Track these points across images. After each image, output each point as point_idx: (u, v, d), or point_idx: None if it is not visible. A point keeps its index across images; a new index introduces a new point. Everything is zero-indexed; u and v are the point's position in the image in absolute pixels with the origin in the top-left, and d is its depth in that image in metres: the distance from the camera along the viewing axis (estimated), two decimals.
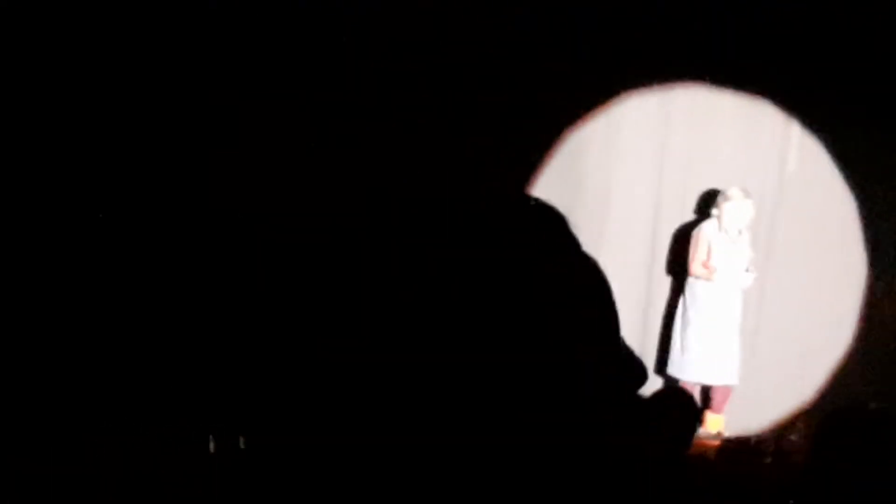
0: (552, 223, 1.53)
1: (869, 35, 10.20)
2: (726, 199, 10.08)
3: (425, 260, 1.42)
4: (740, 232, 10.10)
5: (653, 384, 8.24)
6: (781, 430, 9.54)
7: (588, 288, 1.50)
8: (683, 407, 5.85)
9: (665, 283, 10.49)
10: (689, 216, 10.44)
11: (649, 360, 10.08)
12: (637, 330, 9.96)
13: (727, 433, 10.01)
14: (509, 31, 9.89)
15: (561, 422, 1.45)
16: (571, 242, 1.52)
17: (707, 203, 10.31)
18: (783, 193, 10.45)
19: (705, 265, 10.11)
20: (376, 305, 1.43)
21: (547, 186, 10.04)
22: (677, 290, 10.37)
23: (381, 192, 8.77)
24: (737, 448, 7.29)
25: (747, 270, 10.11)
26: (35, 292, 8.45)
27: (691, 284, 10.17)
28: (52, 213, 8.79)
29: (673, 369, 10.15)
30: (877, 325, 10.61)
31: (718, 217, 10.09)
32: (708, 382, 10.12)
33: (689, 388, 10.07)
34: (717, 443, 8.19)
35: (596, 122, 10.36)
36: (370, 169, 9.25)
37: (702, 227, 10.19)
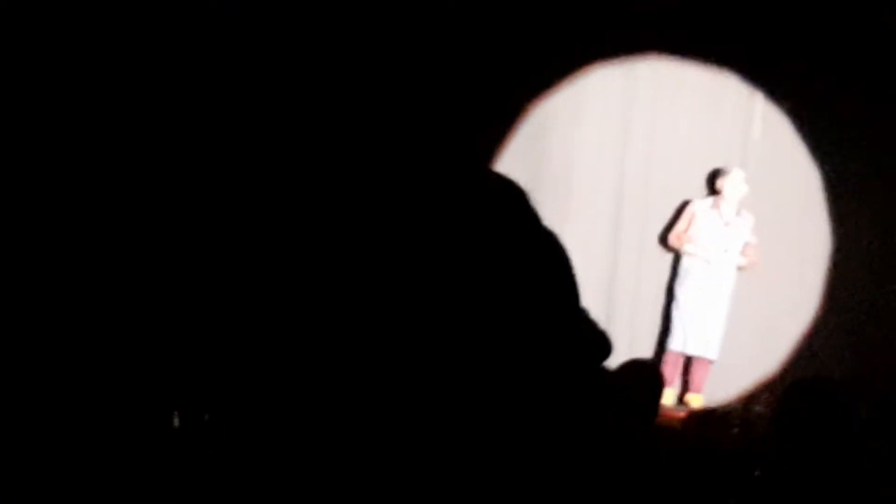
0: (512, 196, 1.53)
1: (832, 5, 10.24)
2: (724, 177, 10.18)
3: (379, 236, 1.42)
4: (739, 213, 10.17)
5: (620, 357, 8.26)
6: (747, 401, 9.59)
7: (548, 261, 1.50)
8: (649, 378, 5.88)
9: (629, 256, 10.50)
10: (653, 189, 10.46)
11: (616, 334, 10.11)
12: (602, 303, 10.00)
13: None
14: (474, 3, 9.88)
15: (525, 394, 1.46)
16: (531, 216, 1.52)
17: (710, 182, 10.37)
18: (746, 165, 10.47)
19: (679, 236, 10.19)
20: (342, 282, 1.43)
21: (511, 159, 10.05)
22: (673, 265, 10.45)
23: (340, 168, 8.78)
24: (703, 419, 7.33)
25: (743, 254, 10.19)
26: (25, 283, 8.45)
27: (682, 260, 10.25)
28: (51, 212, 8.80)
29: (666, 341, 10.28)
30: (841, 296, 10.66)
31: (720, 193, 10.17)
32: (690, 353, 10.20)
33: (674, 363, 10.17)
34: (683, 414, 8.22)
35: (560, 95, 10.36)
36: (329, 138, 9.26)
37: (692, 202, 10.26)
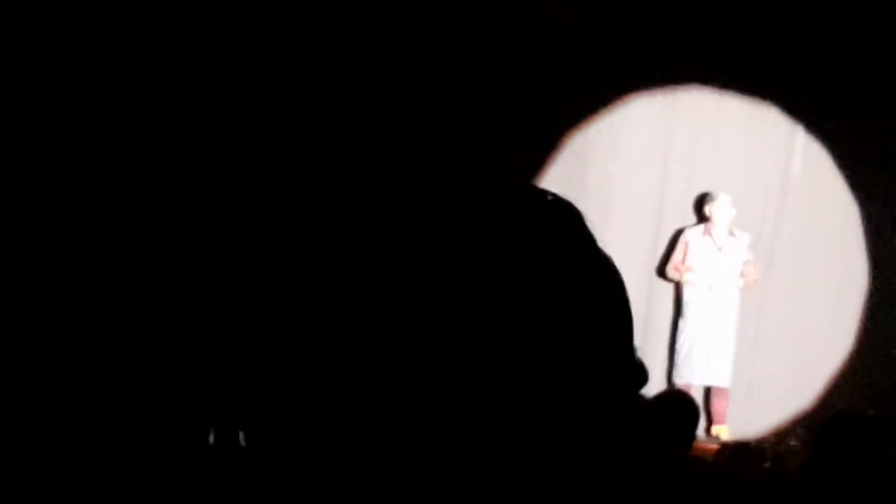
0: (569, 219, 1.53)
1: (876, 43, 10.21)
2: (711, 202, 10.15)
3: (433, 259, 1.42)
4: (732, 234, 10.14)
5: (656, 387, 8.26)
6: (781, 435, 9.54)
7: (607, 287, 1.50)
8: (685, 409, 5.85)
9: (667, 287, 10.49)
10: (692, 219, 10.45)
11: (652, 364, 10.08)
12: (638, 333, 9.96)
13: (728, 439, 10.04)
14: (514, 31, 9.90)
15: (565, 423, 1.45)
16: (589, 239, 1.52)
17: (698, 208, 10.35)
18: (786, 198, 10.45)
19: (677, 268, 10.18)
20: (379, 311, 1.42)
21: (550, 187, 10.04)
22: (676, 294, 10.41)
23: (383, 192, 8.75)
24: (736, 452, 7.29)
25: (741, 274, 10.15)
26: (31, 284, 8.48)
27: (684, 289, 10.23)
28: (52, 212, 8.82)
29: (672, 373, 10.23)
30: (877, 333, 10.61)
31: (709, 219, 10.16)
32: (699, 383, 10.16)
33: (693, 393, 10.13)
34: (716, 447, 8.18)
35: (600, 124, 10.37)
36: (374, 172, 9.27)
37: (684, 232, 10.25)
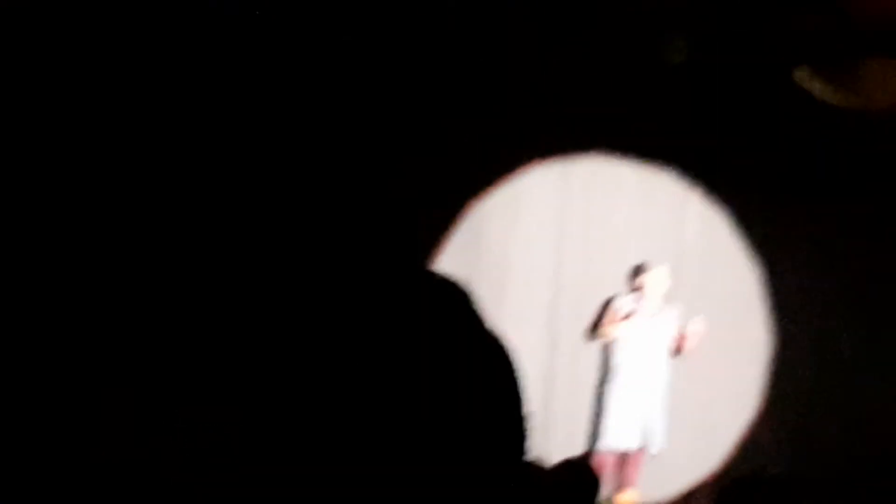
0: (456, 298, 1.54)
1: (766, 105, 10.38)
2: (645, 272, 10.26)
3: (315, 339, 1.43)
4: (662, 307, 10.23)
5: (558, 450, 8.27)
6: (687, 497, 9.59)
7: (495, 367, 1.51)
8: (584, 476, 5.86)
9: (565, 352, 10.50)
10: (589, 286, 10.50)
11: (554, 429, 10.08)
12: (538, 400, 9.96)
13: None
14: (410, 104, 9.93)
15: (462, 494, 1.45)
16: (477, 319, 1.53)
17: (632, 277, 10.43)
18: (682, 261, 10.55)
19: (609, 331, 10.23)
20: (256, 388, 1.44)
21: (448, 257, 10.07)
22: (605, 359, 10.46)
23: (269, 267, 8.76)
24: None
25: (675, 341, 10.22)
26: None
27: (612, 357, 10.28)
28: (51, 212, 8.79)
29: (598, 440, 10.25)
30: (781, 393, 10.72)
31: (639, 290, 10.25)
32: (625, 449, 10.19)
33: (606, 459, 10.14)
34: None
35: (497, 192, 10.41)
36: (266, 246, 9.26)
37: (615, 298, 10.33)
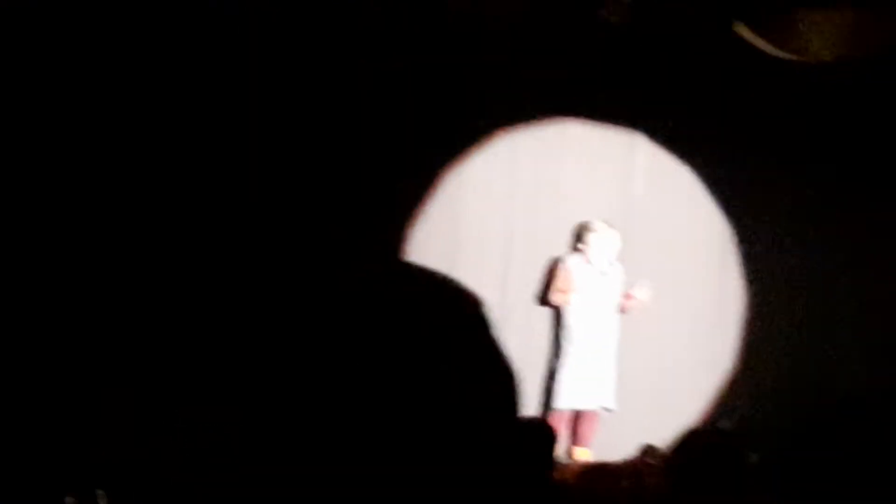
0: (469, 301, 1.65)
1: (710, 59, 10.44)
2: (590, 231, 10.29)
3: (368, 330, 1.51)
4: (611, 263, 10.28)
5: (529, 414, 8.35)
6: (640, 454, 9.66)
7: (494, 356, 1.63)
8: (541, 434, 5.93)
9: (519, 318, 10.55)
10: (540, 248, 10.54)
11: None
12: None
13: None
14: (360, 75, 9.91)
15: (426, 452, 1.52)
16: (483, 322, 1.65)
17: (578, 237, 10.46)
18: (630, 219, 10.60)
19: (562, 290, 10.27)
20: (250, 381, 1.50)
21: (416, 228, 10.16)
22: (556, 323, 10.50)
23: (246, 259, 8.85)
24: (596, 473, 7.37)
25: (632, 297, 10.27)
26: None
27: (564, 316, 10.33)
28: (51, 212, 8.76)
29: (553, 399, 10.32)
30: (722, 349, 10.83)
31: (584, 249, 10.29)
32: (580, 408, 10.27)
33: (563, 419, 10.22)
34: (577, 468, 8.26)
35: (452, 162, 10.42)
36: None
37: (564, 259, 10.36)
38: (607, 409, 10.32)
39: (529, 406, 10.34)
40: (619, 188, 10.73)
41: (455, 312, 1.61)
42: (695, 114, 10.55)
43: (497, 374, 1.64)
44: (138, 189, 9.07)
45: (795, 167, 10.57)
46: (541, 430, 6.11)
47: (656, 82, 10.44)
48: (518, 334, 10.52)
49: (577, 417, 10.41)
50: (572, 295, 10.25)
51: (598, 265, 10.27)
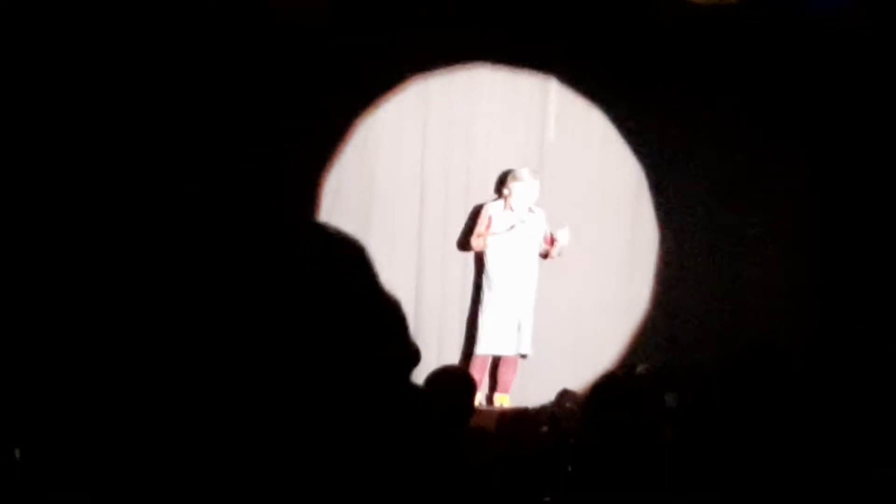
0: (352, 250, 1.66)
1: (621, 1, 10.49)
2: (515, 179, 10.32)
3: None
4: (531, 210, 10.33)
5: (430, 364, 8.38)
6: (557, 399, 9.74)
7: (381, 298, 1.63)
8: (459, 382, 5.97)
9: (433, 263, 10.57)
10: (453, 196, 10.57)
11: (425, 341, 10.16)
12: (409, 311, 9.98)
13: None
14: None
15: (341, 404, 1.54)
16: (367, 267, 1.65)
17: (501, 183, 10.48)
18: (544, 164, 10.65)
19: (480, 235, 10.32)
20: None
21: (332, 176, 10.14)
22: (477, 270, 10.54)
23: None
24: (514, 418, 7.44)
25: (554, 239, 10.32)
26: None
27: (484, 262, 10.37)
28: (51, 212, 8.69)
29: (473, 345, 10.38)
30: (641, 295, 10.92)
31: (507, 196, 10.32)
32: (500, 354, 10.34)
33: (482, 366, 10.28)
34: (496, 414, 8.33)
35: (362, 111, 10.40)
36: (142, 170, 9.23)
37: (486, 206, 10.40)
38: (523, 356, 10.38)
39: (450, 354, 10.39)
40: (533, 133, 10.76)
41: (332, 257, 1.63)
42: (607, 58, 10.58)
43: (380, 312, 1.66)
44: (138, 189, 9.04)
45: (709, 111, 10.63)
46: (461, 378, 6.16)
47: (569, 27, 10.46)
48: (435, 280, 10.56)
49: (496, 363, 10.47)
50: (491, 238, 10.29)
51: (520, 212, 10.30)
